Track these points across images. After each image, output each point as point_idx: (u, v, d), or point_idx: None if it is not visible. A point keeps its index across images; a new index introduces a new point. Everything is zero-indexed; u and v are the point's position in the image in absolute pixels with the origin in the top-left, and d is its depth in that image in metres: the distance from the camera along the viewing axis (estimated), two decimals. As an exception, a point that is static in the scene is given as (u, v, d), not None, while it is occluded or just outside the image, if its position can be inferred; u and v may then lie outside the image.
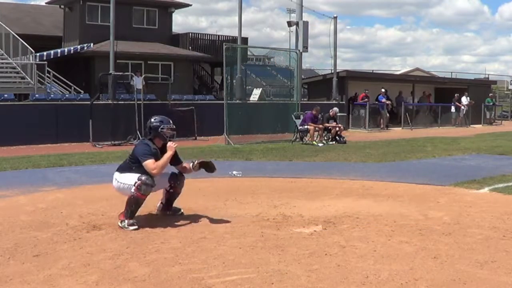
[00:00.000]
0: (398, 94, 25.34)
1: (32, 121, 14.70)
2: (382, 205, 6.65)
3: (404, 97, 25.51)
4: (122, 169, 5.63)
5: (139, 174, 5.40)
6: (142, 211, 5.90)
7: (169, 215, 5.88)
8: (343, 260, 4.39)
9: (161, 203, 5.97)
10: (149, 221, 5.62)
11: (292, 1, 22.27)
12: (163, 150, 5.59)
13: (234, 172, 9.26)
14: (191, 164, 5.74)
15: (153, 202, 5.88)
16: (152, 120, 5.70)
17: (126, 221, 5.38)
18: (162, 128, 5.61)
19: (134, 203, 5.39)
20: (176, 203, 6.06)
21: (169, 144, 5.58)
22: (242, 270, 4.12)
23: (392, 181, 8.68)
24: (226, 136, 15.02)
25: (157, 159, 5.46)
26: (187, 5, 29.59)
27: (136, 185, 5.35)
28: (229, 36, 28.95)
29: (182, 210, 6.00)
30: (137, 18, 26.67)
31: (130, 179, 5.44)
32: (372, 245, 4.81)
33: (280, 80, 32.12)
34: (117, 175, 5.62)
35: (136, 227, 5.33)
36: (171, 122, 5.73)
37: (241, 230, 5.33)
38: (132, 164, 5.55)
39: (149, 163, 5.41)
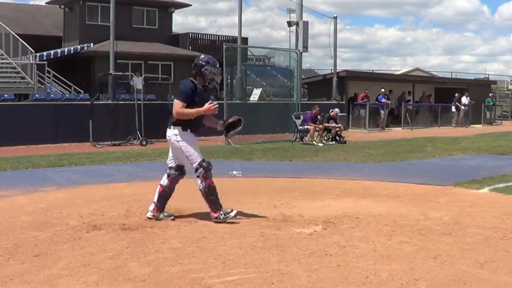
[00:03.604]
0: (401, 94, 25.39)
1: (32, 121, 14.70)
2: (382, 205, 6.65)
3: (406, 97, 25.56)
4: (176, 123, 5.55)
5: (200, 157, 5.46)
6: (141, 211, 5.91)
7: (162, 219, 5.64)
8: (343, 260, 4.38)
9: (154, 203, 5.74)
10: (149, 221, 5.61)
11: (292, 1, 22.29)
12: (204, 90, 5.64)
13: (234, 172, 9.26)
14: (220, 123, 5.85)
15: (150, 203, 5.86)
16: (200, 57, 5.71)
17: (221, 211, 5.50)
18: (205, 68, 5.57)
19: (211, 193, 5.51)
20: (176, 203, 6.05)
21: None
22: (242, 270, 4.12)
23: (392, 181, 8.68)
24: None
25: (189, 101, 5.44)
26: (187, 5, 29.61)
27: (201, 175, 5.44)
28: (229, 36, 28.97)
29: (173, 216, 5.78)
30: (137, 18, 26.68)
31: (195, 155, 5.48)
32: (372, 245, 4.81)
33: (280, 80, 32.05)
34: (174, 132, 5.54)
35: (235, 212, 5.52)
36: (217, 65, 5.68)
37: (241, 230, 5.32)
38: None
39: (178, 104, 5.44)
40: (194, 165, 5.52)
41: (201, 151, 5.63)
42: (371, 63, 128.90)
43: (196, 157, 5.52)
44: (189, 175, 5.80)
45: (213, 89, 5.71)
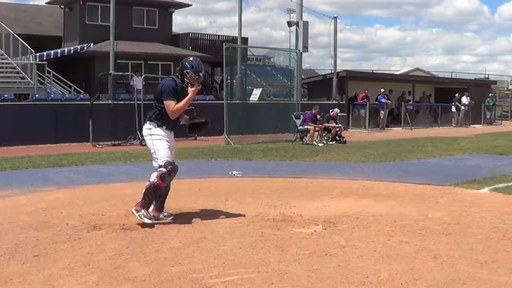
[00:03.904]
0: (401, 94, 25.40)
1: (32, 121, 14.69)
2: (382, 205, 6.65)
3: (406, 97, 25.57)
4: (151, 119, 5.52)
5: (168, 158, 5.37)
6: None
7: (161, 219, 5.63)
8: (343, 260, 4.38)
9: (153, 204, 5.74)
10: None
11: (292, 1, 22.28)
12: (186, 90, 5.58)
13: (234, 172, 9.26)
14: (186, 117, 5.72)
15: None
16: (189, 59, 5.62)
17: (143, 212, 5.39)
18: (187, 72, 5.52)
19: (153, 191, 5.41)
20: (176, 203, 6.06)
21: (194, 89, 5.47)
22: (242, 270, 4.12)
23: (392, 181, 8.68)
24: (226, 136, 15.02)
25: (179, 100, 5.41)
26: (187, 5, 29.62)
27: (159, 173, 5.34)
28: (229, 36, 28.98)
29: (173, 216, 5.79)
30: (137, 18, 26.69)
31: (163, 152, 5.40)
32: (372, 245, 4.81)
33: (280, 80, 32.12)
34: (148, 127, 5.51)
35: (150, 221, 5.34)
36: (202, 70, 5.61)
37: (241, 230, 5.33)
38: (159, 105, 5.47)
39: (171, 104, 5.37)
40: (158, 162, 5.43)
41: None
42: (371, 63, 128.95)
43: (162, 156, 5.42)
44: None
45: (205, 86, 5.63)
